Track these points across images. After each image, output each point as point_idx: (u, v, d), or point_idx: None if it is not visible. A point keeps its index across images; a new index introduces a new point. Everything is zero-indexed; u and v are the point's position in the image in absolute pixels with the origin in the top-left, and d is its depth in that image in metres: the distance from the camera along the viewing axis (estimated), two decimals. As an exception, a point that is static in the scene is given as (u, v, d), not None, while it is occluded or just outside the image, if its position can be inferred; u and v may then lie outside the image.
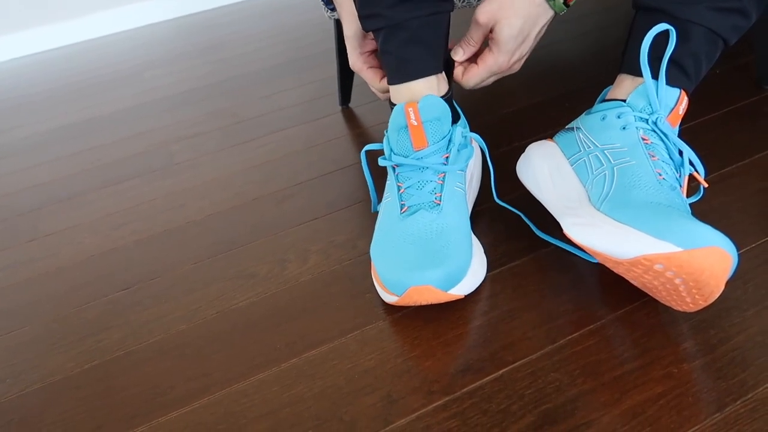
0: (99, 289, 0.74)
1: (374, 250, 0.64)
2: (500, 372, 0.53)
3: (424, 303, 0.60)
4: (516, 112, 0.96)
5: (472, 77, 0.70)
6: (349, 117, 1.06)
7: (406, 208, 0.64)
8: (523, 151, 0.72)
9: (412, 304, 0.60)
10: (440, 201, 0.64)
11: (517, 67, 0.71)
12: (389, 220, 0.65)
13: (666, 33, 0.59)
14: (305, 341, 0.60)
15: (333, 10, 0.96)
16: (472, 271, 0.61)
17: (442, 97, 0.67)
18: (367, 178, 0.73)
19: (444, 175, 0.65)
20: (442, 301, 0.60)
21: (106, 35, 2.01)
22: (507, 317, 0.59)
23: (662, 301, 0.55)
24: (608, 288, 0.60)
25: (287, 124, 1.07)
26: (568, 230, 0.58)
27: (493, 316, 0.59)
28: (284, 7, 1.93)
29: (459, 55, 0.71)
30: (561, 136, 0.69)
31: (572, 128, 0.68)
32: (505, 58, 0.68)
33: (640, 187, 0.56)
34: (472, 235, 0.66)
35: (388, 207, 0.66)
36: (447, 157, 0.66)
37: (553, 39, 1.20)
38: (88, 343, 0.65)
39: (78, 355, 0.64)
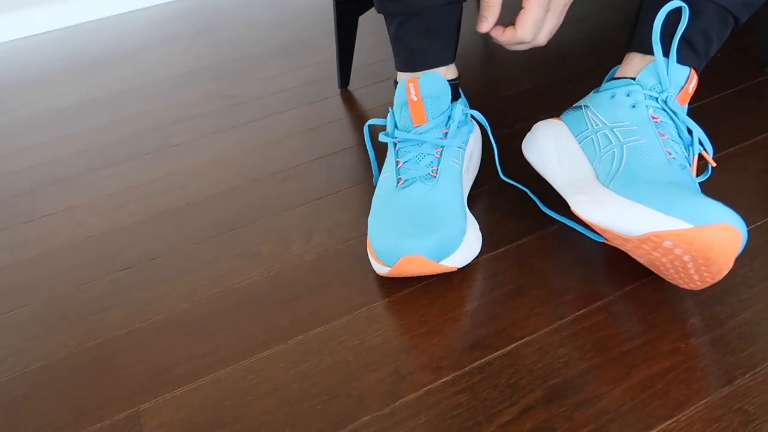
0: (99, 268, 0.73)
1: (370, 223, 0.64)
2: (508, 348, 0.53)
3: (416, 274, 0.60)
4: (517, 95, 0.96)
5: (511, 36, 0.64)
6: (348, 99, 1.05)
7: (402, 181, 0.65)
8: (526, 133, 0.72)
9: (404, 274, 0.60)
10: (436, 174, 0.65)
11: (542, 39, 0.65)
12: (386, 193, 0.66)
13: (676, 11, 0.59)
14: (311, 319, 0.60)
15: None
16: (466, 243, 0.61)
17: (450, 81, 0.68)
18: (369, 152, 0.73)
19: (442, 150, 0.66)
20: (435, 272, 0.60)
21: (99, 18, 1.99)
22: (514, 294, 0.59)
23: (669, 279, 0.55)
24: (614, 265, 0.60)
25: (286, 107, 1.06)
26: (576, 207, 0.57)
27: (500, 293, 0.59)
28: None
29: (485, 25, 0.65)
30: (568, 114, 0.69)
31: (580, 106, 0.68)
32: (539, 10, 0.62)
33: (649, 166, 0.56)
34: (468, 210, 0.66)
35: (385, 181, 0.67)
36: (446, 133, 0.67)
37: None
38: (90, 321, 0.65)
39: (80, 333, 0.63)
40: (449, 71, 0.69)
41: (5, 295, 0.71)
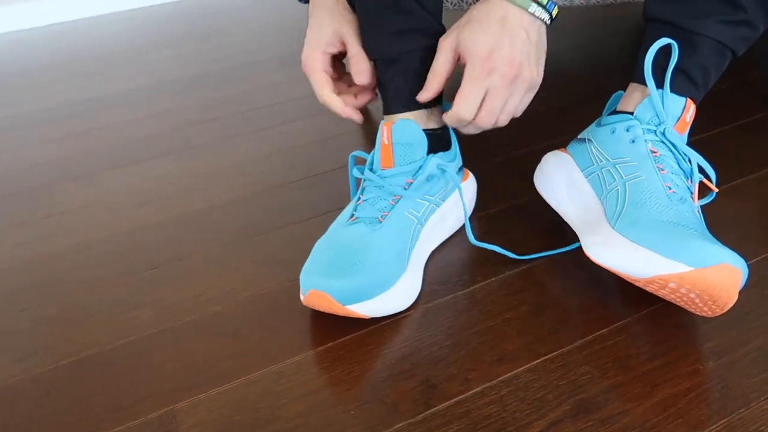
0: (125, 267, 0.74)
1: (313, 249, 0.65)
2: (534, 363, 0.56)
3: (324, 310, 0.60)
4: (518, 121, 0.99)
5: (452, 114, 0.63)
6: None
7: (354, 218, 0.65)
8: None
9: (314, 307, 0.60)
10: (383, 220, 0.64)
11: (502, 121, 0.64)
12: (337, 224, 0.67)
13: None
14: (340, 327, 0.62)
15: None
16: (387, 295, 0.60)
17: (432, 129, 0.68)
18: (350, 183, 0.74)
19: (399, 198, 0.65)
20: (341, 314, 0.59)
21: (106, 13, 1.99)
22: (535, 312, 0.61)
23: (683, 307, 0.58)
24: (630, 288, 0.62)
25: (302, 114, 1.08)
26: (588, 250, 0.60)
27: (522, 310, 0.62)
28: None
29: (424, 94, 0.65)
30: (574, 147, 0.71)
31: (584, 139, 0.70)
32: (476, 88, 0.61)
33: (650, 205, 0.59)
34: (411, 265, 0.64)
35: (342, 214, 0.68)
36: (410, 183, 0.66)
37: (557, 48, 1.23)
38: (120, 319, 0.66)
39: (110, 331, 0.65)
40: (431, 117, 0.69)
41: (30, 289, 0.72)
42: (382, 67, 0.68)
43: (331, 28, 0.69)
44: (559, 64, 1.16)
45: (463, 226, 0.74)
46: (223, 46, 1.51)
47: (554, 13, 0.62)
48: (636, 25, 1.31)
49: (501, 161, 0.87)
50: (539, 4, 0.60)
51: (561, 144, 0.75)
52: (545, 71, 0.64)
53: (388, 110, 0.69)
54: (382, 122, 0.67)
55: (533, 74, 0.62)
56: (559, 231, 0.72)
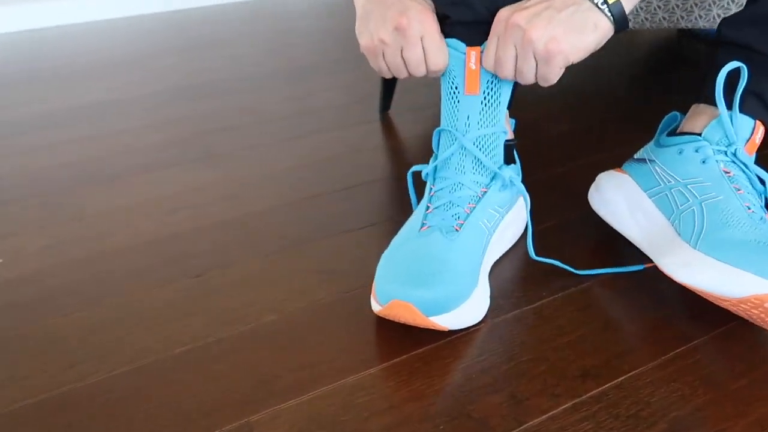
0: (168, 274, 0.70)
1: (382, 260, 0.63)
2: (619, 379, 0.55)
3: (404, 321, 0.58)
4: (547, 141, 1.00)
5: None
6: (388, 125, 1.07)
7: (426, 227, 0.64)
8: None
9: (393, 318, 0.59)
10: (460, 229, 0.63)
11: (551, 75, 0.60)
12: (406, 234, 0.65)
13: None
14: (411, 338, 0.59)
15: None
16: (464, 308, 0.59)
17: (505, 141, 0.67)
18: (411, 198, 0.72)
19: (474, 206, 0.65)
20: (422, 326, 0.58)
21: (111, 18, 1.93)
22: (609, 328, 0.61)
23: (762, 326, 0.58)
24: (697, 307, 0.62)
25: (323, 127, 1.06)
26: (670, 270, 0.60)
27: (595, 326, 0.61)
28: (277, 10, 1.92)
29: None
30: (633, 168, 0.72)
31: (644, 159, 0.71)
32: (492, 42, 0.60)
33: (733, 224, 0.59)
34: (483, 278, 0.63)
35: (410, 223, 0.66)
36: (484, 192, 0.66)
37: (570, 71, 1.25)
38: (172, 327, 0.62)
39: (164, 338, 0.61)
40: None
41: (70, 293, 0.68)
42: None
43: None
44: (576, 87, 1.18)
45: (518, 240, 0.73)
46: (226, 57, 1.49)
47: (615, 11, 0.58)
48: (630, 42, 1.35)
49: (537, 180, 0.87)
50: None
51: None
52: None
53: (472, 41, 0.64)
54: (465, 48, 0.63)
55: (543, 38, 0.57)
56: (611, 249, 0.72)
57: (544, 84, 0.61)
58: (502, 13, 0.61)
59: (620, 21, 0.59)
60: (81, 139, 1.06)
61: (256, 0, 2.09)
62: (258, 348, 0.59)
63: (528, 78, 0.61)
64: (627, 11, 0.59)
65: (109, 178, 0.92)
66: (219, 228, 0.79)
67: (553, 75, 0.60)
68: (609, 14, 0.58)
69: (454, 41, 0.63)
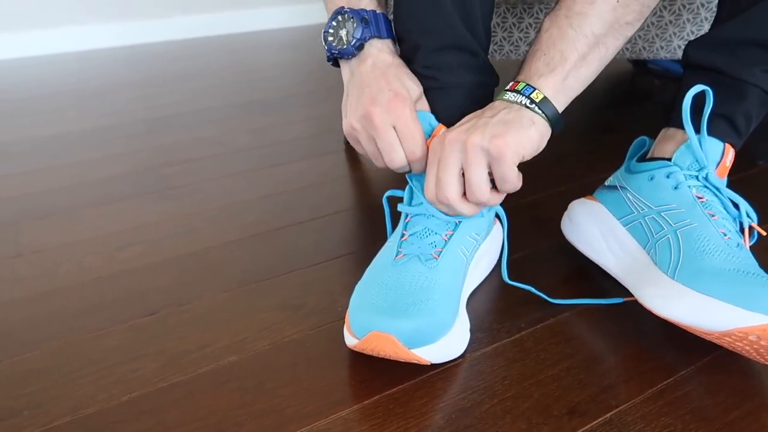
0: (116, 313, 0.65)
1: (356, 291, 0.59)
2: (608, 415, 0.51)
3: (384, 355, 0.54)
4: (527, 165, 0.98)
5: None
6: (353, 155, 1.04)
7: (402, 255, 0.60)
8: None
9: (371, 352, 0.54)
10: (438, 257, 0.60)
11: (508, 172, 0.56)
12: (382, 264, 0.61)
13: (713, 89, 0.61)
14: (386, 376, 0.55)
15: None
16: (447, 340, 0.55)
17: None
18: (387, 225, 0.68)
19: (452, 233, 0.61)
20: (403, 359, 0.54)
21: (67, 52, 1.87)
22: (592, 360, 0.57)
23: (750, 358, 0.55)
24: (680, 336, 0.59)
25: (289, 158, 1.03)
26: (649, 303, 0.57)
27: (577, 359, 0.58)
28: (244, 44, 1.90)
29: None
30: (605, 195, 0.70)
31: (615, 186, 0.69)
32: (431, 163, 0.58)
33: (710, 252, 0.57)
34: (462, 308, 0.60)
35: (384, 252, 0.63)
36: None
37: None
38: (119, 372, 0.56)
39: (110, 385, 0.55)
40: None
41: (8, 336, 0.61)
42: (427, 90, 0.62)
43: (417, 86, 0.61)
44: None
45: (491, 271, 0.70)
46: (187, 91, 1.45)
47: (536, 98, 0.57)
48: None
49: (510, 209, 0.85)
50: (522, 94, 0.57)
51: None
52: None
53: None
54: (438, 124, 0.61)
55: (486, 138, 0.54)
56: (586, 278, 0.70)
57: (505, 187, 0.57)
58: (434, 141, 0.58)
59: (554, 119, 0.58)
60: (26, 173, 1.00)
61: (218, 35, 2.06)
62: (217, 392, 0.54)
63: (480, 188, 0.56)
64: (560, 110, 0.58)
65: (54, 213, 0.86)
66: (175, 263, 0.74)
67: (510, 172, 0.56)
68: (541, 112, 0.57)
69: (424, 114, 0.60)
